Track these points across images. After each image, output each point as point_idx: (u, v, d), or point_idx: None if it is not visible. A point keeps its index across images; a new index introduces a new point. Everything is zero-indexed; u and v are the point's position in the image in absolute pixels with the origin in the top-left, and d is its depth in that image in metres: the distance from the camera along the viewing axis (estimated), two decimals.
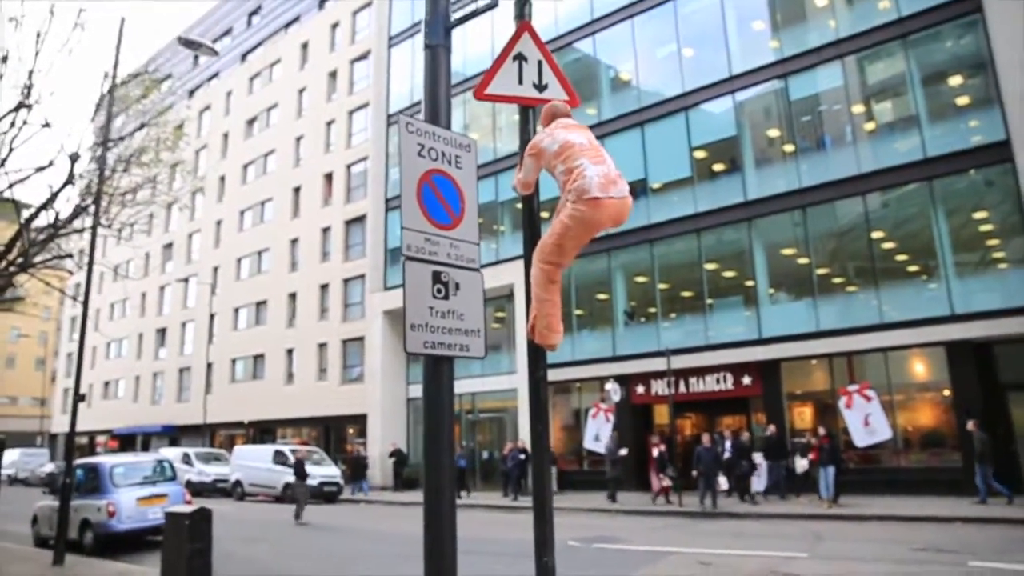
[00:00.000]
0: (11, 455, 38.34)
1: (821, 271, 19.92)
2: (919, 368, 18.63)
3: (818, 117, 20.73)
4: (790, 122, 20.79)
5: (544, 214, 4.28)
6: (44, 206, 12.53)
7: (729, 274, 22.12)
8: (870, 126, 19.90)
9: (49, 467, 37.10)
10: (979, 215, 18.33)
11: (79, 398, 12.37)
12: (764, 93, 21.40)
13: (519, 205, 4.37)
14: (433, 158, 5.19)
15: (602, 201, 3.59)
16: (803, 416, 20.29)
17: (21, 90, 11.97)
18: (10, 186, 12.13)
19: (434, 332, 4.81)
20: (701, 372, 21.17)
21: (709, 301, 21.82)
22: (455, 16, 4.87)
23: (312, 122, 38.11)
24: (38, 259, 13.73)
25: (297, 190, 38.18)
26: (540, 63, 4.64)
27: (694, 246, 22.06)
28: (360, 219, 33.96)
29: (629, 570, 9.72)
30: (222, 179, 43.38)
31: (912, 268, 18.90)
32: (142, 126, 15.34)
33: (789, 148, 20.70)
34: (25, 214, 13.36)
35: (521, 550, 3.82)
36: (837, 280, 19.97)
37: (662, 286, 23.14)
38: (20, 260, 12.52)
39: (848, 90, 19.94)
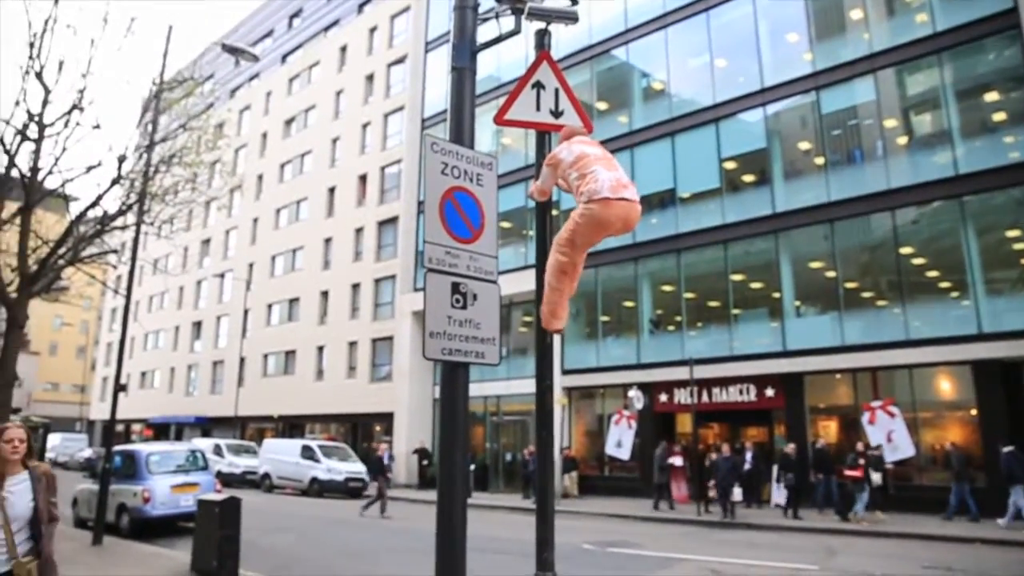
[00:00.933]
0: (52, 440, 39.61)
1: (848, 285, 19.87)
2: (945, 386, 18.51)
3: (849, 131, 20.69)
4: (821, 135, 20.79)
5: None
6: (94, 204, 13.16)
7: (755, 286, 22.16)
8: (902, 141, 19.83)
9: (87, 452, 38.29)
10: (1012, 233, 18.15)
11: (120, 388, 12.95)
12: (796, 106, 21.43)
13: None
14: (456, 176, 5.54)
15: (612, 201, 3.88)
16: (827, 430, 20.25)
17: (76, 93, 12.64)
18: (63, 184, 12.81)
19: (452, 340, 5.15)
20: (724, 383, 21.24)
21: (734, 312, 21.89)
22: (481, 41, 5.21)
23: (348, 124, 38.83)
24: (85, 253, 14.41)
25: (332, 190, 38.92)
26: (557, 91, 4.95)
27: (721, 257, 22.15)
28: (393, 220, 34.54)
29: (637, 574, 9.95)
30: (260, 178, 44.37)
31: (940, 285, 18.78)
32: (183, 127, 15.98)
33: (819, 161, 20.70)
34: (74, 210, 14.05)
35: (534, 550, 4.15)
36: (864, 295, 19.91)
37: (688, 295, 23.25)
38: (69, 254, 13.18)
39: (880, 104, 19.89)
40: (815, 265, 20.79)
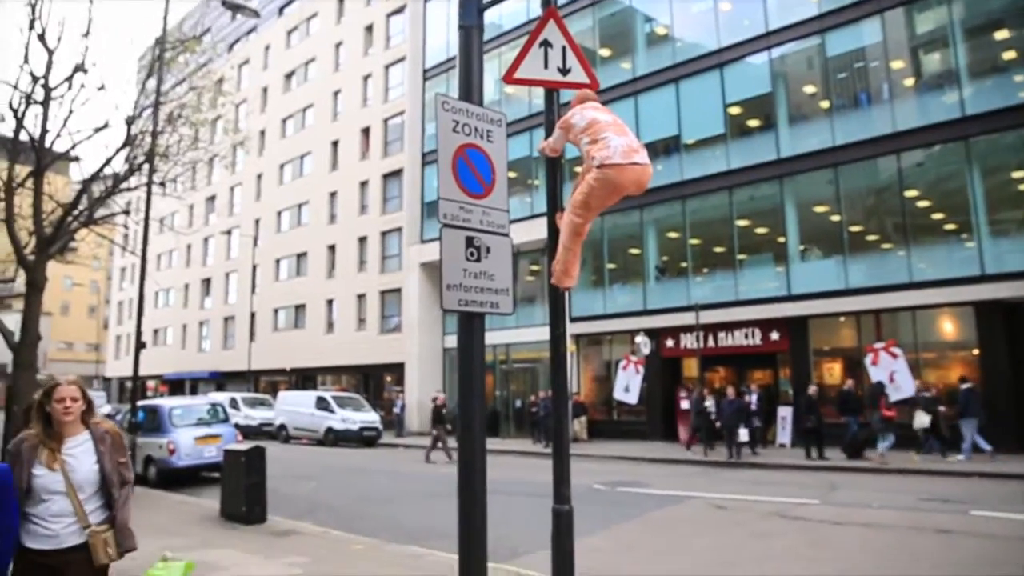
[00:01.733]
0: None
1: (852, 229, 20.00)
2: (948, 327, 18.77)
3: (855, 74, 20.49)
4: (826, 79, 20.64)
5: (578, 169, 4.70)
6: (105, 164, 13.31)
7: (760, 230, 22.30)
8: (909, 82, 19.66)
9: (106, 408, 39.01)
10: (1018, 174, 18.13)
11: (141, 346, 13.32)
12: (801, 49, 21.21)
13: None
14: (467, 133, 5.73)
15: (625, 167, 4.09)
16: (832, 372, 20.62)
17: (79, 54, 12.67)
18: (73, 146, 12.95)
19: (467, 291, 5.41)
20: (730, 327, 21.57)
21: (740, 257, 22.08)
22: None
23: (349, 76, 38.47)
24: (97, 214, 14.63)
25: (335, 144, 38.79)
26: (564, 48, 5.08)
27: (726, 202, 22.22)
28: (397, 173, 34.52)
29: (648, 511, 10.42)
30: (262, 133, 44.17)
31: (945, 227, 18.88)
32: (183, 81, 16.00)
33: (824, 105, 20.59)
34: (85, 171, 14.21)
35: (547, 491, 4.46)
36: (868, 238, 20.05)
37: (693, 242, 23.42)
38: (83, 215, 13.40)
39: (887, 46, 19.66)
40: (820, 209, 20.88)
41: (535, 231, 24.05)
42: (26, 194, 13.53)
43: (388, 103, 35.79)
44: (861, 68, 20.37)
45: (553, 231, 4.81)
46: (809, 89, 21.40)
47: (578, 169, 4.61)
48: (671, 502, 11.26)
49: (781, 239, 21.10)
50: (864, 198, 20.38)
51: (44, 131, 13.00)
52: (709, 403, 19.44)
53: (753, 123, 22.48)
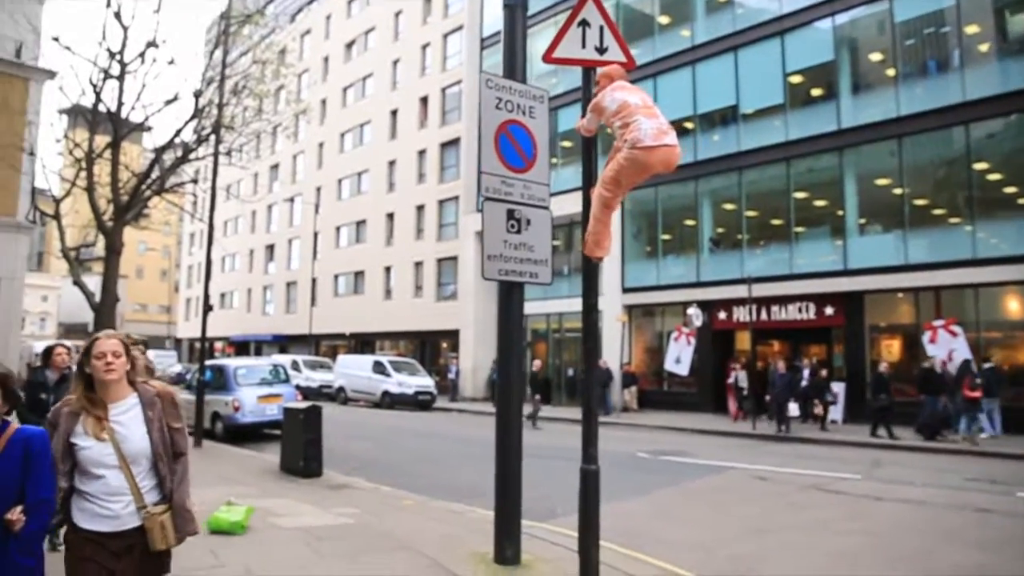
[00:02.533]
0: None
1: (915, 203, 19.42)
2: (1013, 306, 18.17)
3: (924, 40, 19.70)
4: (893, 46, 19.89)
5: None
6: (176, 135, 14.02)
7: (818, 203, 21.85)
8: (983, 48, 18.80)
9: (177, 367, 41.05)
10: None
11: (208, 308, 14.09)
12: (868, 15, 20.46)
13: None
14: (509, 110, 5.99)
15: (655, 148, 4.30)
16: (890, 349, 20.20)
17: (151, 31, 13.31)
18: (147, 118, 13.67)
19: (508, 261, 5.72)
20: (783, 301, 21.32)
21: (796, 230, 21.72)
22: None
23: (408, 45, 38.77)
24: (168, 183, 15.43)
25: (394, 113, 39.29)
26: (602, 28, 5.25)
27: (783, 174, 21.81)
28: (455, 142, 34.85)
29: (688, 479, 10.63)
30: (323, 103, 44.99)
31: (1017, 201, 18.15)
32: (247, 52, 16.57)
33: (890, 73, 19.89)
34: (151, 142, 14.98)
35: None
36: (931, 212, 19.45)
37: (749, 214, 23.10)
38: (156, 184, 14.18)
39: (961, 9, 18.80)
40: (881, 182, 20.29)
41: None
42: (104, 164, 14.38)
43: (446, 72, 36.00)
44: (931, 34, 19.57)
45: (588, 204, 5.04)
46: (875, 57, 20.69)
47: None
48: (712, 472, 11.45)
49: (839, 212, 20.65)
50: (929, 171, 19.73)
51: (120, 104, 13.77)
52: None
53: (814, 92, 21.87)
